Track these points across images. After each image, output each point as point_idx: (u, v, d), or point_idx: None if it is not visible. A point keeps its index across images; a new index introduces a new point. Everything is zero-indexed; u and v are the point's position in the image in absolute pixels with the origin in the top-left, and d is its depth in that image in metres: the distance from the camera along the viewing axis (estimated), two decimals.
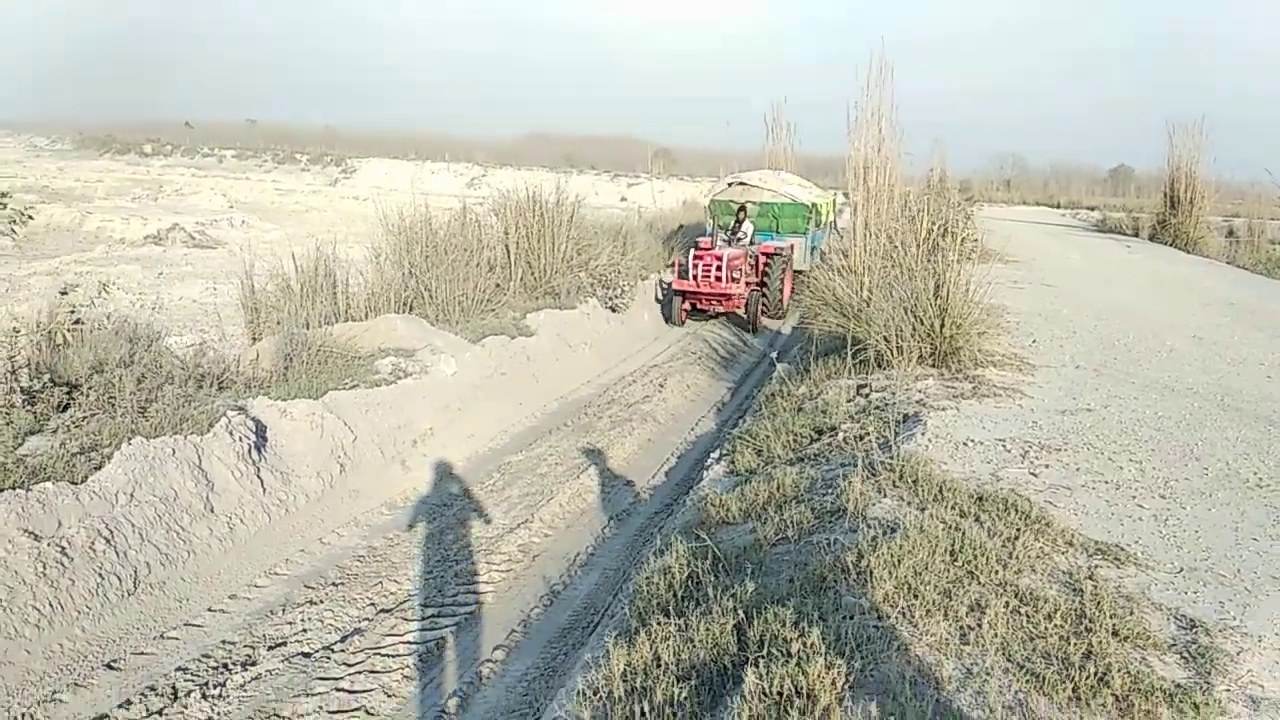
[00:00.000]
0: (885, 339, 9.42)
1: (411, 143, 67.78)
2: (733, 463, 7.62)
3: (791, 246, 17.82)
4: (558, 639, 5.62)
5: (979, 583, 4.10)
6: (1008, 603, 3.89)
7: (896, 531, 4.72)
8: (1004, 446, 6.45)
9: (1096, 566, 4.36)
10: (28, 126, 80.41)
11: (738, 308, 15.98)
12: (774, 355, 14.01)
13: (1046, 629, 3.66)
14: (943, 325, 9.27)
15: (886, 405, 8.11)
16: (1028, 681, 3.33)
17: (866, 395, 8.77)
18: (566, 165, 58.40)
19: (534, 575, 6.48)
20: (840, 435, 7.43)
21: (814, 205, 18.47)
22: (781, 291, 16.94)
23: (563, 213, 14.75)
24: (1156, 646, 3.62)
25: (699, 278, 15.74)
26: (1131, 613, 3.86)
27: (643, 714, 3.43)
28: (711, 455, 8.49)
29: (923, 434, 6.74)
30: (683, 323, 16.20)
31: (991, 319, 10.76)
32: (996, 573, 4.19)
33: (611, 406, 10.73)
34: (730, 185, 19.00)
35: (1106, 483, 5.69)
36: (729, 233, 17.16)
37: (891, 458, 6.13)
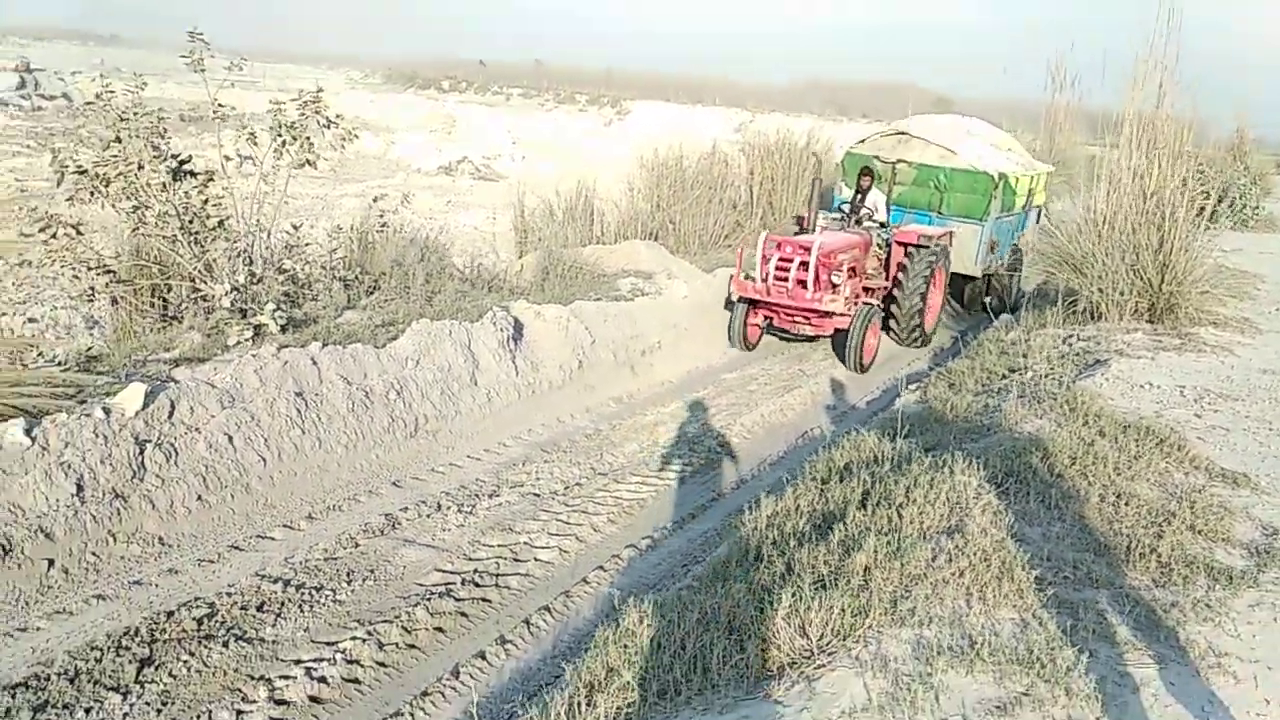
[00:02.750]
0: (1100, 290, 9.58)
1: (686, 87, 69.57)
2: (924, 393, 8.28)
3: (950, 235, 12.02)
4: (735, 513, 6.65)
5: (1085, 481, 4.71)
6: (1103, 496, 4.50)
7: (1038, 442, 5.37)
8: (1181, 392, 6.73)
9: (1211, 485, 4.82)
10: (345, 61, 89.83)
11: (841, 328, 10.41)
12: (990, 303, 13.28)
13: (1126, 515, 4.27)
14: (1162, 282, 9.30)
15: (1086, 353, 8.43)
16: (1088, 550, 4.00)
17: (1070, 343, 9.07)
18: (837, 113, 58.03)
19: (728, 467, 7.53)
20: (1029, 374, 7.89)
21: (1003, 178, 12.40)
22: (922, 305, 11.24)
23: (809, 157, 15.43)
24: (1228, 542, 4.14)
25: (771, 282, 10.08)
26: (1221, 519, 4.36)
27: (773, 539, 4.41)
28: (910, 386, 9.16)
29: (1103, 375, 7.13)
30: (752, 346, 10.85)
31: (1229, 282, 10.51)
32: (1108, 477, 4.77)
33: (828, 341, 11.51)
34: (881, 136, 13.50)
35: (1271, 429, 5.93)
36: (854, 205, 11.70)
37: (1063, 390, 6.64)
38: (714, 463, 7.54)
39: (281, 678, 4.33)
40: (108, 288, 8.01)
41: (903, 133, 13.17)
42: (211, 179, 8.22)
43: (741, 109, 62.57)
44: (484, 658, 4.69)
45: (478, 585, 5.34)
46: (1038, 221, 14.43)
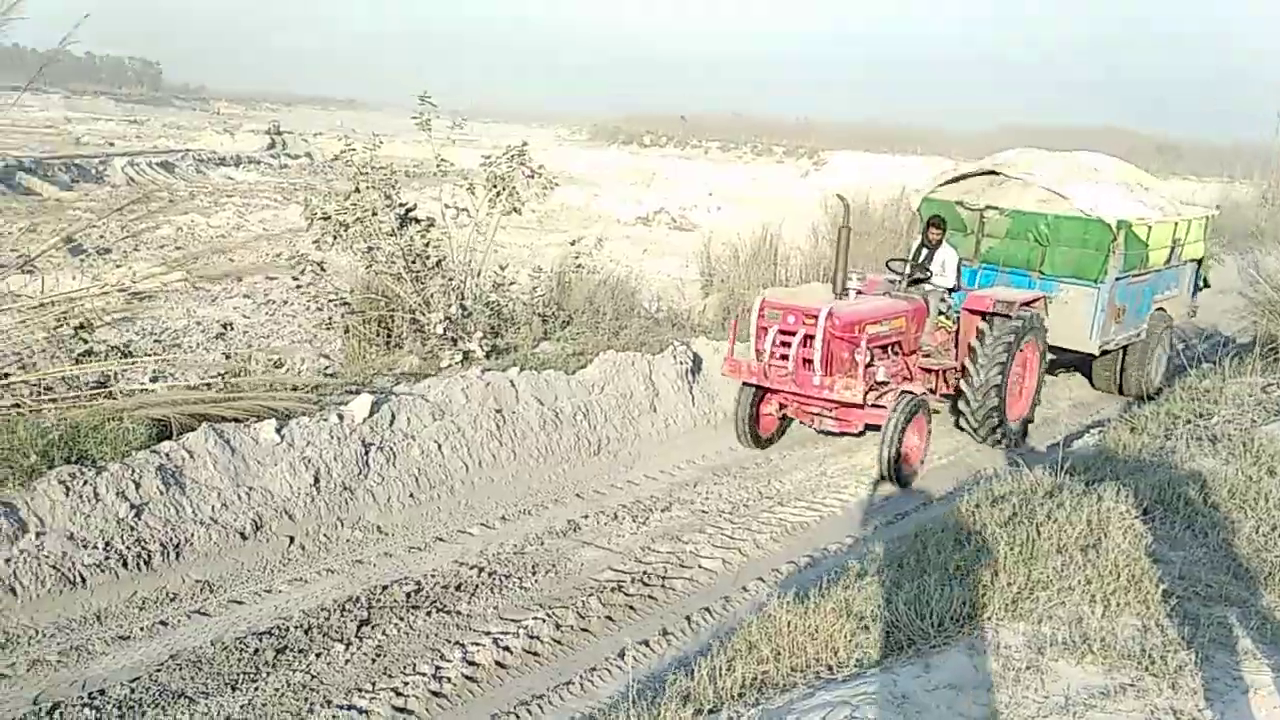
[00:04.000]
0: None
1: (888, 137, 69.12)
2: (1104, 436, 8.24)
3: (1044, 301, 9.53)
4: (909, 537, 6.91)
5: (1241, 513, 4.75)
6: (1257, 527, 4.55)
7: (1199, 476, 5.41)
8: None
9: None
10: (555, 119, 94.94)
11: (874, 422, 8.10)
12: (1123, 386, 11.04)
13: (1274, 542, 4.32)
14: None
15: None
16: (1227, 572, 4.10)
17: (1268, 391, 8.74)
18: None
19: (896, 495, 7.77)
20: (1215, 419, 7.73)
21: (1125, 228, 9.69)
22: (999, 392, 8.65)
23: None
24: None
25: (769, 361, 7.85)
26: None
27: (916, 550, 4.73)
28: (1091, 430, 9.09)
29: None
30: (765, 441, 8.56)
31: None
32: (1267, 511, 4.79)
33: None
34: (969, 177, 10.90)
35: None
36: (915, 265, 9.15)
37: (1241, 433, 6.55)
38: (880, 492, 7.80)
39: (474, 644, 5.02)
40: (343, 318, 9.24)
41: (995, 171, 10.65)
42: (432, 225, 9.34)
43: (945, 157, 61.49)
44: (647, 644, 5.21)
45: (645, 584, 5.88)
46: (1199, 282, 11.82)
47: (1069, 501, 4.81)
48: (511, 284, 10.09)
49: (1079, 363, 11.32)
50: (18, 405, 6.47)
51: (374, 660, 4.84)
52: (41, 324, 7.57)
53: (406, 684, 4.65)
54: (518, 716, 4.50)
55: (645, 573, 6.02)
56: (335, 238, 8.83)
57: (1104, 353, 10.40)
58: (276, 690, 4.53)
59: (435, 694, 4.62)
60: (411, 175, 9.64)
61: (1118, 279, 9.89)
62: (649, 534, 6.60)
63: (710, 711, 3.51)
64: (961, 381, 8.81)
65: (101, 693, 4.40)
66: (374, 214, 8.85)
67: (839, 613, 3.98)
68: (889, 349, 8.46)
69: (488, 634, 5.14)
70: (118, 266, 14.09)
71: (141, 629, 4.89)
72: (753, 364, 7.94)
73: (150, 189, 27.97)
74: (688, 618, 5.53)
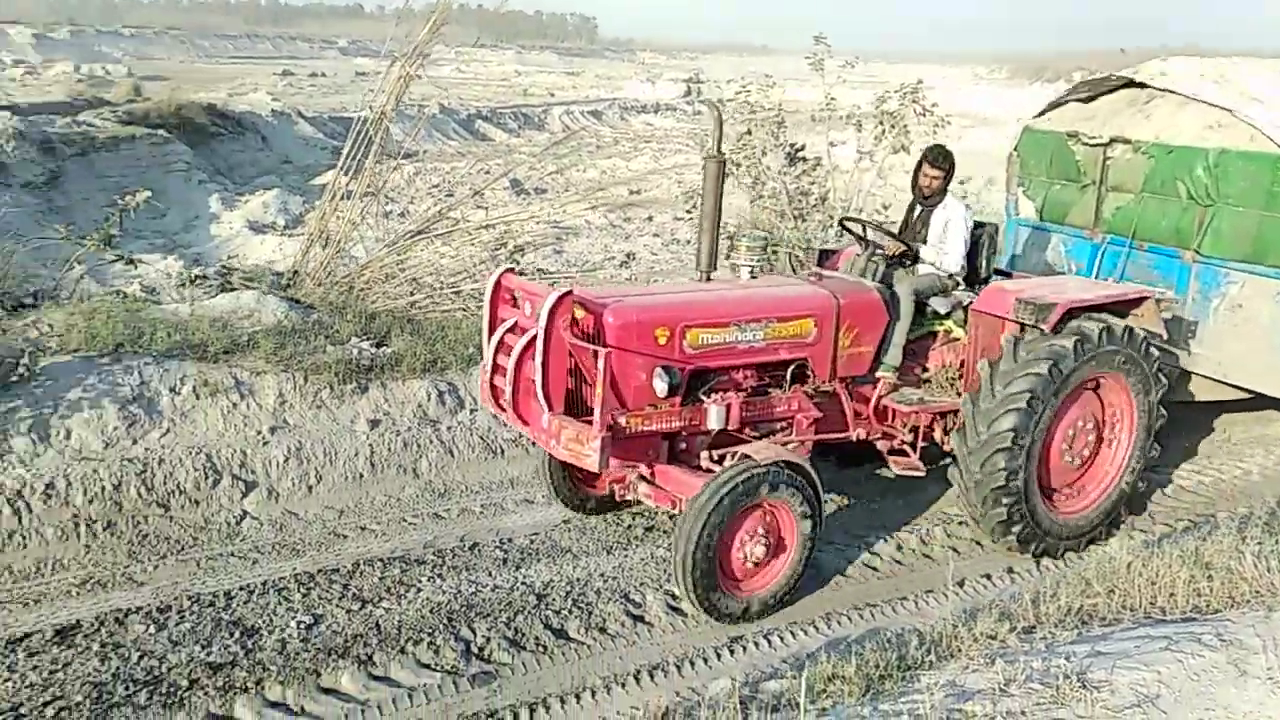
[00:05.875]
0: None
1: None
2: None
3: (1150, 303, 5.77)
4: None
5: None
6: None
7: None
8: None
9: None
10: (972, 58, 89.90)
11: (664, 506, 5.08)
12: None
13: None
14: None
15: None
16: None
17: None
18: None
19: None
20: None
21: None
22: (1015, 463, 5.20)
23: None
24: None
25: (489, 379, 5.00)
26: None
27: None
28: None
29: None
30: (588, 506, 5.66)
31: None
32: None
33: None
34: (1090, 97, 7.46)
35: None
36: (882, 231, 6.02)
37: None
38: None
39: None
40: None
41: (1137, 82, 7.18)
42: (819, 164, 9.64)
43: None
44: (989, 577, 5.28)
45: None
46: None
47: None
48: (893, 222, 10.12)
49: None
50: (464, 308, 7.88)
51: None
52: (485, 244, 9.07)
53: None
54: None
55: None
56: (728, 175, 9.43)
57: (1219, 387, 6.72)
58: (641, 559, 5.25)
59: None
60: (817, 120, 9.95)
61: None
62: None
63: (1026, 630, 3.61)
64: (954, 436, 5.42)
65: (510, 540, 5.40)
66: (763, 153, 9.34)
67: (1185, 561, 3.83)
68: (773, 376, 5.27)
69: (831, 544, 5.48)
70: (548, 203, 16.06)
71: (542, 497, 5.85)
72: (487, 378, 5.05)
73: (579, 135, 30.96)
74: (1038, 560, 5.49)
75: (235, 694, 4.00)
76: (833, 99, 9.46)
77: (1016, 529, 5.32)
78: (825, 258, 6.24)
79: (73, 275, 7.55)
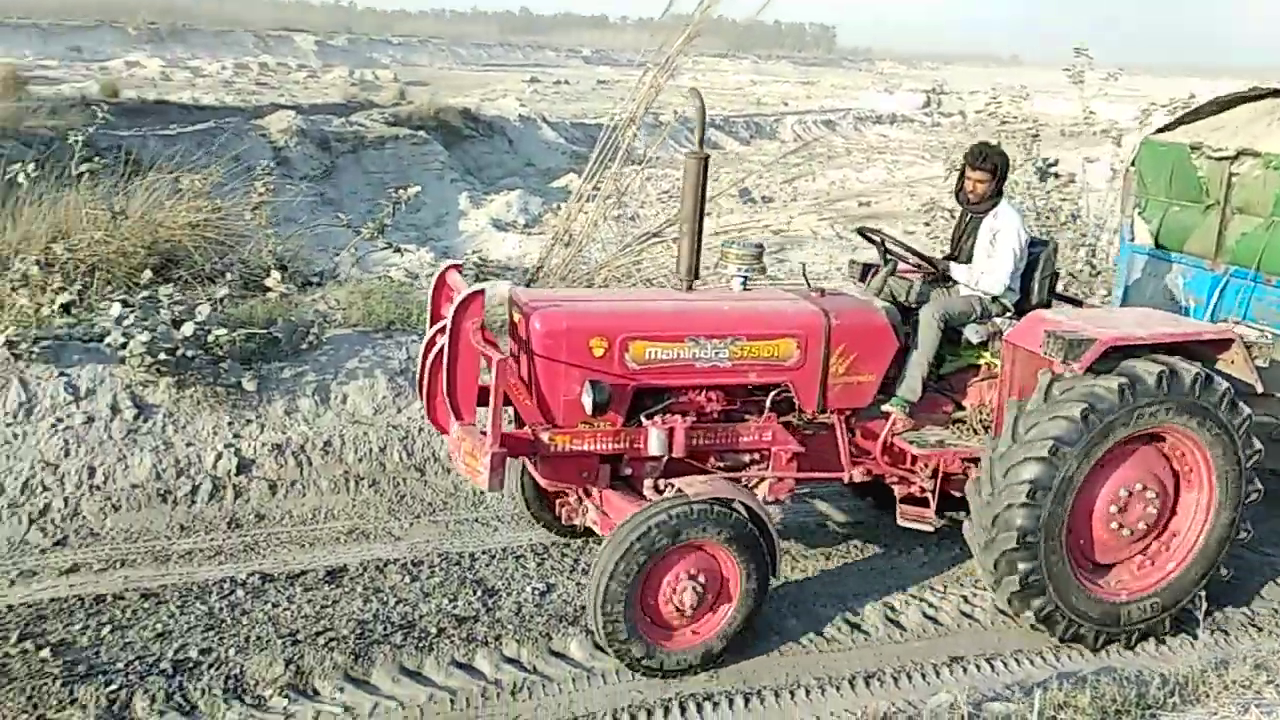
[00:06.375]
0: None
1: None
2: None
3: (1238, 350, 4.74)
4: None
5: None
6: None
7: None
8: None
9: None
10: (1256, 73, 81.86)
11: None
12: None
13: None
14: None
15: None
16: None
17: None
18: None
19: None
20: None
21: None
22: (1038, 523, 4.35)
23: None
24: None
25: (426, 391, 4.46)
26: None
27: None
28: None
29: None
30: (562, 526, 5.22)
31: None
32: None
33: None
34: (1225, 105, 6.31)
35: None
36: (902, 248, 5.28)
37: None
38: None
39: None
40: None
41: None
42: (1072, 180, 9.21)
43: None
44: (1254, 625, 4.93)
45: None
46: None
47: None
48: None
49: None
50: None
51: None
52: (712, 250, 9.27)
53: None
54: None
55: None
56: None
57: None
58: (860, 572, 5.25)
59: None
60: (1066, 134, 9.55)
61: None
62: None
63: None
64: (969, 485, 4.72)
65: None
66: (1011, 168, 8.99)
67: None
68: (750, 402, 4.75)
69: None
70: (775, 213, 16.15)
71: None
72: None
73: (810, 145, 30.78)
74: None
75: (476, 646, 4.34)
76: (1091, 113, 9.01)
77: (1037, 602, 4.47)
78: (869, 272, 5.51)
79: (346, 259, 8.39)
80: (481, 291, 4.15)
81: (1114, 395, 4.32)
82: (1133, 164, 6.75)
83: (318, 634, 4.34)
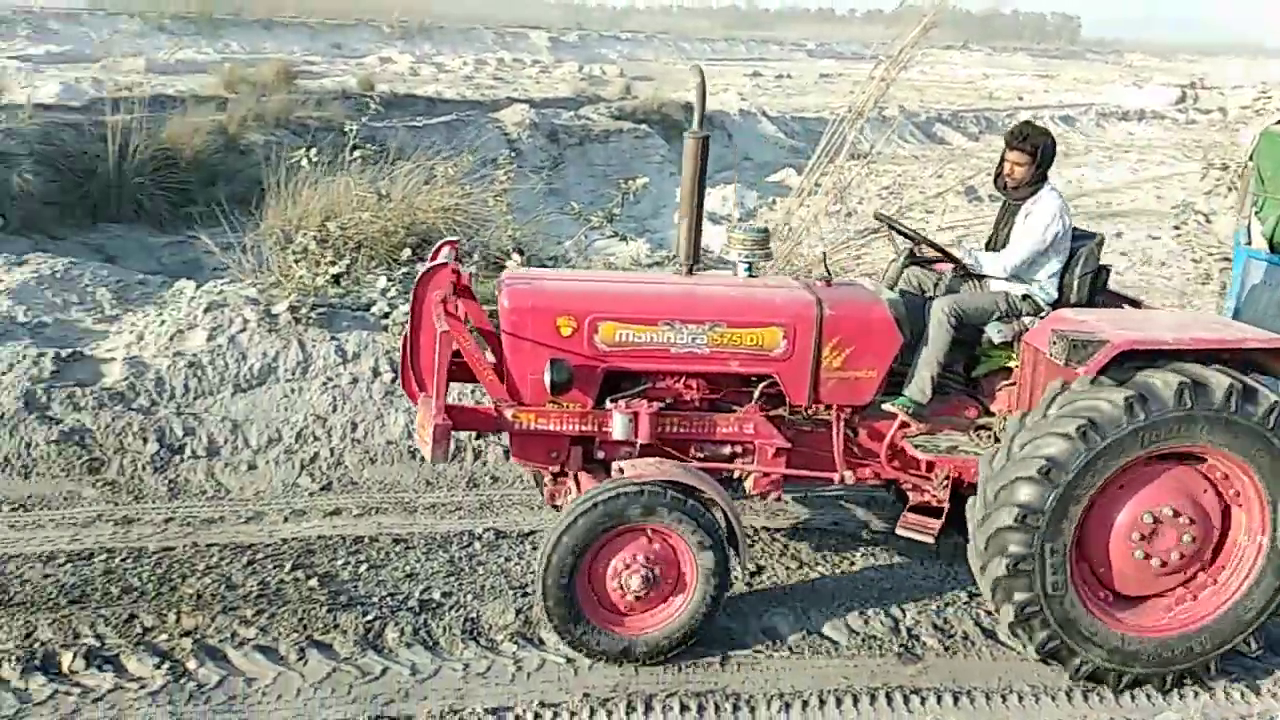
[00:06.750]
0: None
1: None
2: None
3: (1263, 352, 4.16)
4: None
5: None
6: None
7: None
8: None
9: None
10: None
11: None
12: None
13: None
14: None
15: None
16: None
17: None
18: None
19: None
20: None
21: None
22: (1034, 546, 3.94)
23: None
24: None
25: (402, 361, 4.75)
26: None
27: None
28: None
29: None
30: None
31: None
32: None
33: None
34: None
35: None
36: (921, 242, 4.85)
37: None
38: None
39: None
40: (1220, 274, 8.94)
41: None
42: None
43: None
44: None
45: None
46: None
47: None
48: None
49: None
50: None
51: None
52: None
53: None
54: None
55: None
56: (1229, 188, 8.54)
57: None
58: None
59: None
60: None
61: None
62: None
63: None
64: (968, 504, 4.31)
65: None
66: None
67: None
68: (738, 392, 4.59)
69: None
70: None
71: None
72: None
73: None
74: None
75: None
76: None
77: (1040, 636, 4.07)
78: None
79: (572, 246, 8.84)
80: (446, 265, 4.29)
81: (1119, 410, 3.86)
82: (1250, 158, 6.05)
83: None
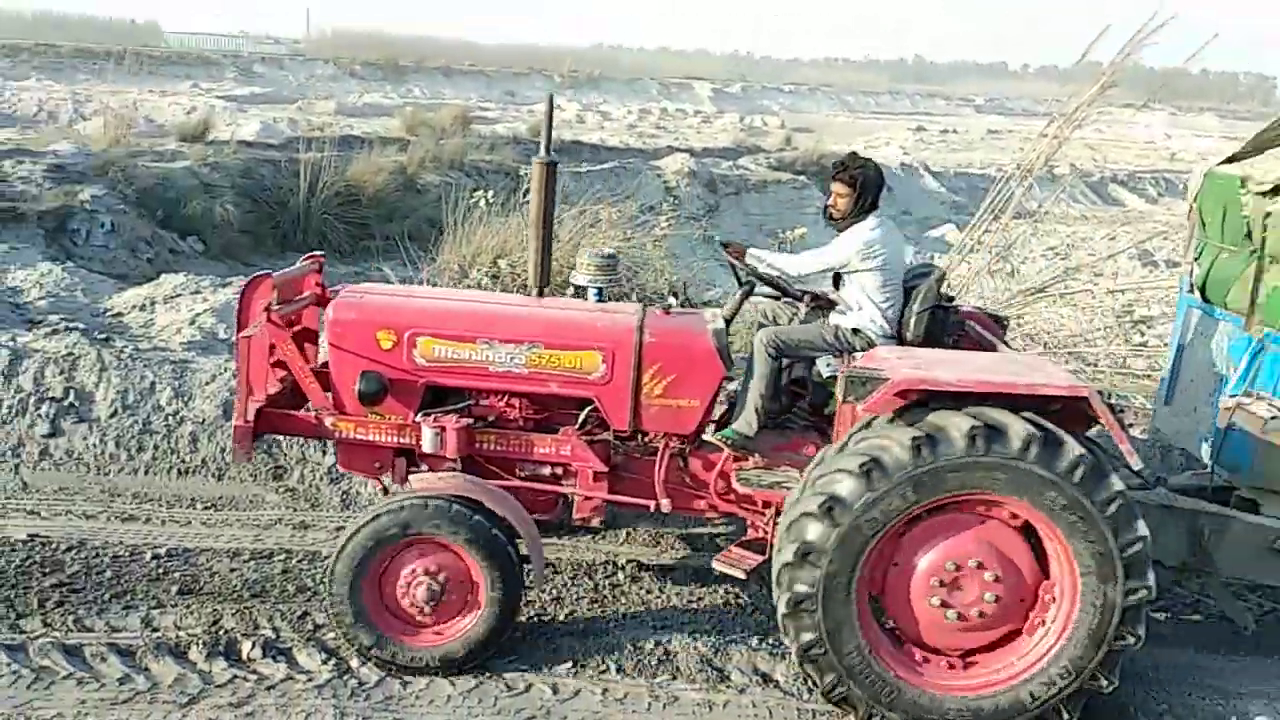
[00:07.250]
0: None
1: None
2: None
3: (1100, 409, 3.66)
4: None
5: None
6: None
7: None
8: None
9: None
10: None
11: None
12: None
13: None
14: None
15: None
16: None
17: None
18: None
19: None
20: None
21: None
22: (817, 584, 3.75)
23: None
24: None
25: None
26: None
27: None
28: None
29: None
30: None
31: None
32: None
33: None
34: None
35: None
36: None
37: None
38: None
39: None
40: None
41: None
42: None
43: None
44: None
45: None
46: None
47: None
48: None
49: None
50: (1079, 370, 7.76)
51: None
52: (1108, 310, 8.80)
53: None
54: None
55: None
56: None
57: None
58: None
59: None
60: None
61: None
62: None
63: None
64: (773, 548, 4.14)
65: None
66: None
67: None
68: (562, 414, 4.57)
69: None
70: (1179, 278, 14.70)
71: None
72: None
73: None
74: None
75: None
76: None
77: (827, 679, 3.87)
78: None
79: (721, 291, 9.03)
80: (268, 275, 4.44)
81: (905, 451, 3.69)
82: (1194, 201, 5.61)
83: (683, 624, 4.80)
